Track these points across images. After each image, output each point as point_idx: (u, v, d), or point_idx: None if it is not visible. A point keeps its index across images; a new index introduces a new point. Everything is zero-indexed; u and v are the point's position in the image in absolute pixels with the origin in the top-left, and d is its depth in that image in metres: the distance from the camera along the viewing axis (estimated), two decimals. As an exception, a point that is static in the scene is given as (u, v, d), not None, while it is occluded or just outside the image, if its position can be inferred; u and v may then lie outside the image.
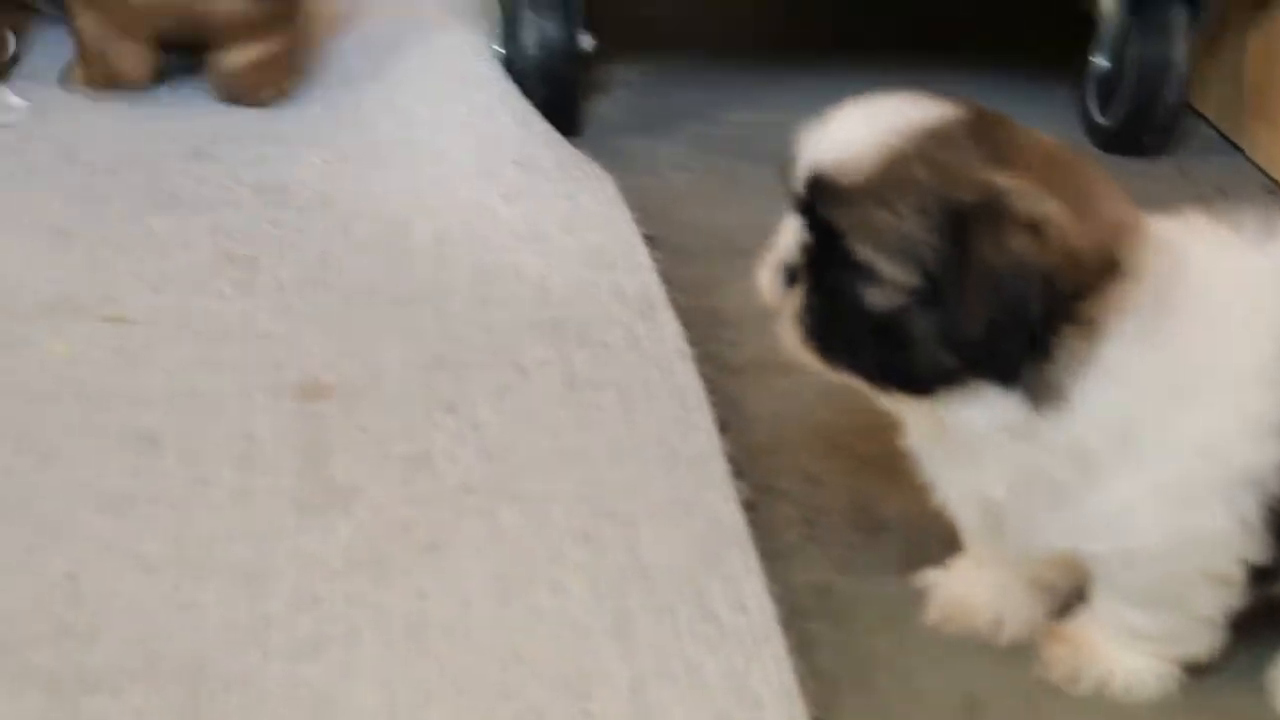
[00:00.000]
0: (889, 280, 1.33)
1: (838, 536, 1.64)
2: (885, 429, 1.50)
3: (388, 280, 1.94)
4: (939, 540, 1.55)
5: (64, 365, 1.74)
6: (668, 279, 1.96)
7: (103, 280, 1.91)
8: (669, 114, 2.56)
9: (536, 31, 2.42)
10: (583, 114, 2.50)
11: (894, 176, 1.32)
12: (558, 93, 2.42)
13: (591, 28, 2.45)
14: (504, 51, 2.45)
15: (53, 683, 1.33)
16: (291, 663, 1.37)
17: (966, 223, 1.31)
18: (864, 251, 1.34)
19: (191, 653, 1.37)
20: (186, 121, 2.30)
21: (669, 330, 1.86)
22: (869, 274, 1.34)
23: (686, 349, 1.83)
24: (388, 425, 1.68)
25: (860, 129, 1.36)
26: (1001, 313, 1.31)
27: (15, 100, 2.27)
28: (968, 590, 1.54)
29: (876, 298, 1.34)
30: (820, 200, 1.36)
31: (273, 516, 1.54)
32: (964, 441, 1.39)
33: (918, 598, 1.55)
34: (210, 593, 1.44)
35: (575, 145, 2.29)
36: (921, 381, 1.36)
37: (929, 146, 1.33)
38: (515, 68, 2.42)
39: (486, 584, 1.47)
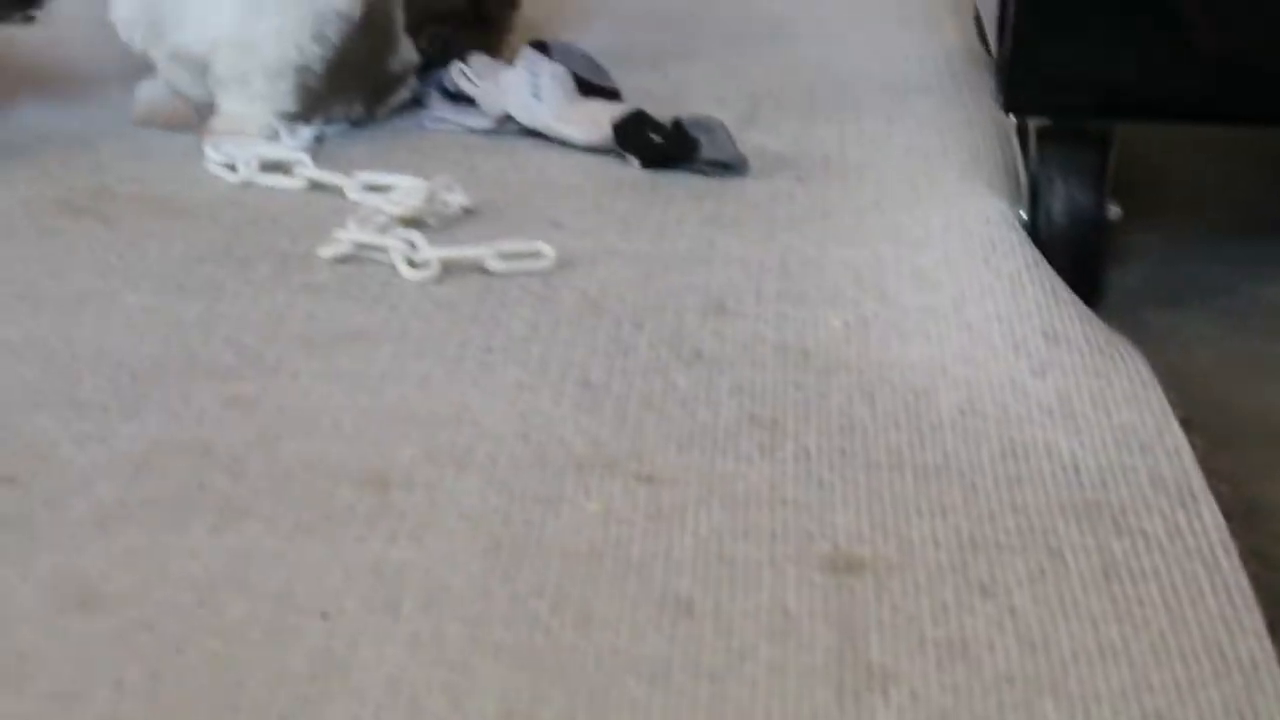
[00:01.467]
0: None
1: (1404, 755, 1.54)
2: None
3: (913, 452, 1.91)
4: None
5: (599, 524, 1.75)
6: (1204, 465, 1.89)
7: (631, 436, 1.92)
8: (1194, 286, 2.48)
9: (1065, 199, 2.38)
10: (1105, 285, 2.44)
11: None
12: (1083, 262, 2.37)
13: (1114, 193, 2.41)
14: (1028, 218, 2.42)
15: None
16: None
17: None
18: None
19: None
20: (708, 275, 2.32)
21: (1210, 521, 1.78)
22: None
23: (1231, 542, 1.75)
24: (922, 605, 1.64)
25: None
26: None
27: (544, 248, 2.31)
28: None
29: None
30: None
31: (811, 697, 1.51)
32: None
33: None
34: (753, 775, 1.42)
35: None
36: None
37: None
38: (1040, 235, 2.38)
39: (1030, 784, 1.42)
